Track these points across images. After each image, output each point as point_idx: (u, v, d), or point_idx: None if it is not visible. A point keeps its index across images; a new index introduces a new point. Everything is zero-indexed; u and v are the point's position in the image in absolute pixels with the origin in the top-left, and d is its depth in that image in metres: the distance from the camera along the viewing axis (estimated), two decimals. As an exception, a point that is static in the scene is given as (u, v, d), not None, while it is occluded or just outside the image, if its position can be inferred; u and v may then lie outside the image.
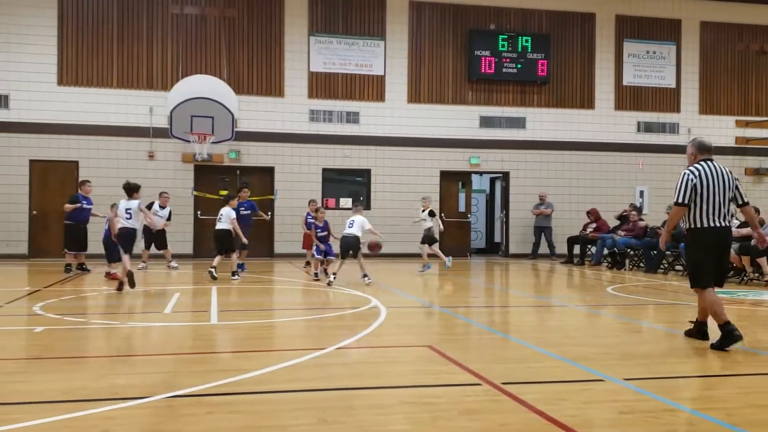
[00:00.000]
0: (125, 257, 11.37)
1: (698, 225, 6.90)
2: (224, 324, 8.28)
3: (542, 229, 21.17)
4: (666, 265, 16.43)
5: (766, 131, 23.37)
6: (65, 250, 15.19)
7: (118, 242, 11.64)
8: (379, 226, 13.71)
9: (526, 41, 21.60)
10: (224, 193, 15.35)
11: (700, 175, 6.86)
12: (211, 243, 14.91)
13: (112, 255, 13.04)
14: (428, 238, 16.01)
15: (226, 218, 13.91)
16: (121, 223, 11.62)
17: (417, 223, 16.66)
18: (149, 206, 16.18)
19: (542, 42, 21.77)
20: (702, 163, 6.98)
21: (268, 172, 20.52)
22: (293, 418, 4.37)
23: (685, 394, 5.18)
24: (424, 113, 21.31)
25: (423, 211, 16.25)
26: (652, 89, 22.84)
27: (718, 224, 6.86)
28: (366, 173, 21.14)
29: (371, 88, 21.01)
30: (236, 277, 13.61)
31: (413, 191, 20.73)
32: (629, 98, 22.68)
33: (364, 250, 13.40)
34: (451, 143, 21.44)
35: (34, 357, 6.46)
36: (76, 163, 19.22)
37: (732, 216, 7.87)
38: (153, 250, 16.37)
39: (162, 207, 16.34)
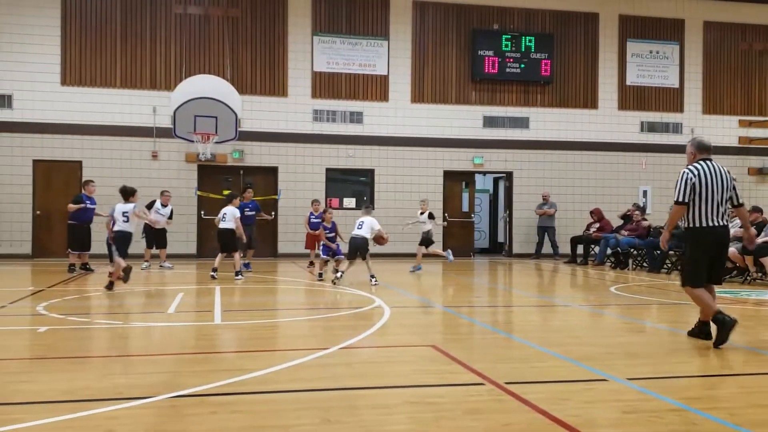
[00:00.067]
0: (118, 259, 11.43)
1: (697, 224, 6.93)
2: (228, 324, 8.29)
3: (545, 229, 21.16)
4: (669, 265, 16.41)
5: (770, 131, 23.36)
6: (69, 250, 15.20)
7: (114, 245, 11.69)
8: (383, 226, 13.72)
9: (530, 41, 21.58)
10: (227, 193, 15.35)
11: (699, 174, 6.89)
12: (214, 242, 14.91)
13: (120, 251, 13.06)
14: (426, 241, 16.04)
15: (231, 217, 13.93)
16: (118, 226, 11.67)
17: (413, 225, 16.66)
18: (151, 205, 16.23)
19: (545, 42, 21.76)
20: (701, 162, 7.02)
21: (271, 172, 20.53)
22: (296, 418, 4.37)
23: (688, 393, 5.17)
24: (428, 113, 21.31)
25: (422, 213, 16.25)
26: (656, 89, 22.81)
27: (716, 223, 6.90)
28: (369, 173, 21.14)
29: (375, 88, 21.01)
30: (240, 276, 13.63)
31: (417, 191, 20.75)
32: (632, 98, 22.66)
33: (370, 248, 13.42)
34: (455, 143, 21.43)
35: (37, 357, 6.48)
36: (80, 163, 19.25)
37: (736, 217, 7.92)
38: (154, 249, 16.42)
39: (164, 205, 16.38)
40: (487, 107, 21.70)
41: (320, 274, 13.63)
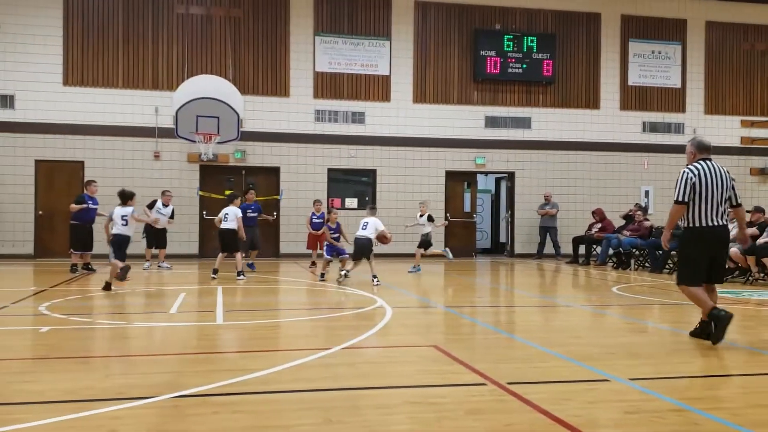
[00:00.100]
0: (114, 261, 11.47)
1: (696, 224, 6.96)
2: (230, 324, 8.30)
3: (547, 229, 21.15)
4: (671, 265, 16.39)
5: (772, 131, 23.35)
6: (71, 250, 15.23)
7: (111, 248, 11.72)
8: (385, 227, 13.77)
9: (532, 41, 21.58)
10: (229, 193, 15.38)
11: (699, 173, 6.92)
12: (216, 242, 14.90)
13: (117, 254, 13.08)
14: (425, 243, 16.06)
15: (233, 217, 13.94)
16: (116, 229, 11.70)
17: (412, 227, 16.67)
18: (152, 204, 16.25)
19: (548, 42, 21.76)
20: (701, 162, 7.05)
21: (273, 172, 20.54)
22: (298, 418, 4.38)
23: (690, 394, 5.17)
24: (430, 113, 21.31)
25: (421, 215, 16.26)
26: (658, 89, 22.80)
27: (715, 223, 6.93)
28: (371, 173, 21.14)
29: (377, 88, 21.02)
30: (242, 276, 13.63)
31: (419, 191, 20.76)
32: (634, 98, 22.65)
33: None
34: (457, 143, 21.43)
35: (40, 357, 6.49)
36: (82, 163, 19.27)
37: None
38: (154, 250, 16.43)
39: (165, 205, 16.38)
40: (489, 107, 21.71)
41: (322, 275, 13.63)
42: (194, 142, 18.20)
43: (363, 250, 12.97)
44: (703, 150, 7.16)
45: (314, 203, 17.15)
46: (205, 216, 19.64)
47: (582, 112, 22.26)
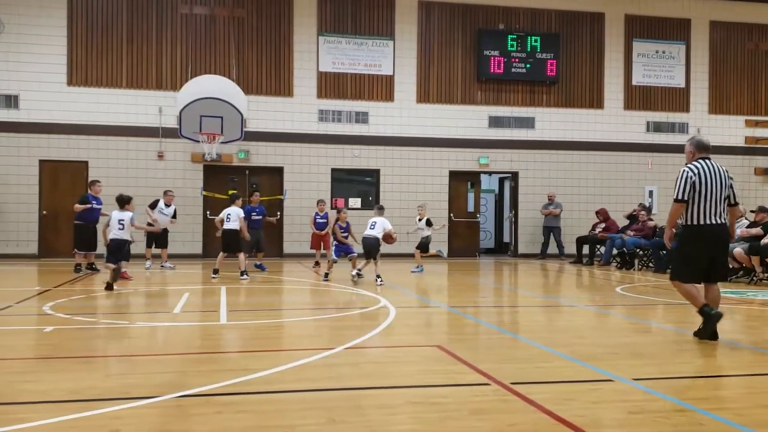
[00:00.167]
0: (107, 264, 11.51)
1: (695, 222, 7.02)
2: (233, 324, 8.30)
3: (551, 229, 21.14)
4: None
5: (777, 131, 23.30)
6: (75, 250, 15.24)
7: (108, 252, 11.75)
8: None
9: (535, 41, 21.57)
10: (231, 193, 15.39)
11: (699, 172, 6.99)
12: (219, 242, 14.91)
13: (122, 255, 13.11)
14: (423, 245, 16.12)
15: (236, 217, 13.95)
16: (113, 233, 11.74)
17: (415, 232, 16.70)
18: (154, 204, 16.27)
19: (551, 42, 21.74)
20: (700, 161, 7.13)
21: (277, 172, 20.55)
22: (301, 418, 4.37)
23: (695, 394, 5.16)
24: (433, 113, 21.31)
25: (420, 219, 16.29)
26: (662, 89, 22.77)
27: (714, 221, 6.99)
28: (375, 173, 21.15)
29: (380, 88, 21.02)
30: (245, 276, 13.64)
31: (422, 191, 20.78)
32: (638, 98, 22.63)
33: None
34: (460, 143, 21.43)
35: (43, 356, 6.49)
36: (86, 163, 19.30)
37: (742, 217, 7.94)
38: (155, 249, 16.44)
39: (167, 205, 16.39)
40: (492, 107, 21.69)
41: (326, 274, 13.63)
42: (198, 142, 18.22)
43: (371, 249, 13.06)
44: (702, 149, 7.24)
45: (318, 203, 17.17)
46: (208, 216, 19.65)
47: (586, 112, 22.24)
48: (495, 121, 21.68)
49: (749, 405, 4.85)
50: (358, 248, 13.95)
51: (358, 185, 21.49)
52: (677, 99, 22.86)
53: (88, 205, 14.96)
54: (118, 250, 11.70)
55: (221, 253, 14.11)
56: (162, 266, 16.14)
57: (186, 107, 17.85)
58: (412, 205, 20.19)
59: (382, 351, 6.84)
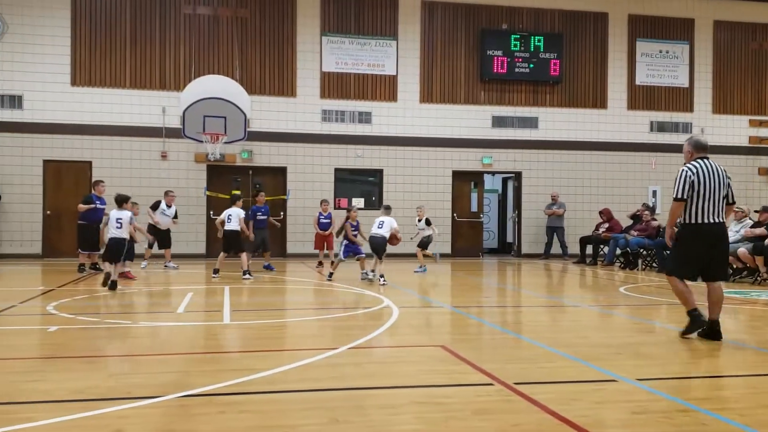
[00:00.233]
0: (105, 264, 11.54)
1: (694, 221, 7.07)
2: (237, 324, 8.30)
3: (554, 229, 21.12)
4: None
5: (781, 130, 23.26)
6: (79, 250, 15.25)
7: (106, 251, 11.77)
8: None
9: (539, 41, 21.55)
10: (234, 193, 15.41)
11: (698, 172, 7.06)
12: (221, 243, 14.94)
13: (127, 254, 13.13)
14: (424, 244, 16.15)
15: (236, 218, 13.97)
16: (111, 233, 11.75)
17: (417, 235, 16.71)
18: (156, 205, 16.28)
19: (555, 41, 21.72)
20: (699, 160, 7.20)
21: (280, 172, 20.56)
22: (304, 418, 4.37)
23: (698, 394, 5.15)
24: (437, 113, 21.30)
25: (419, 220, 16.31)
26: (665, 89, 22.74)
27: (713, 221, 7.04)
28: (378, 173, 21.15)
29: (383, 88, 21.02)
30: (248, 276, 13.65)
31: (425, 191, 20.78)
32: (642, 98, 22.60)
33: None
34: (464, 143, 21.42)
35: (47, 356, 6.50)
36: (90, 163, 19.33)
37: (746, 216, 7.93)
38: (155, 249, 16.46)
39: (168, 206, 16.40)
40: (495, 107, 21.68)
41: (330, 274, 13.62)
42: (201, 142, 18.25)
43: (379, 248, 13.11)
44: (700, 149, 7.32)
45: (321, 203, 17.18)
46: (212, 216, 19.64)
47: (589, 112, 22.22)
48: (498, 121, 21.66)
49: (752, 405, 4.84)
50: (365, 248, 13.94)
51: (362, 185, 21.49)
52: (681, 99, 22.83)
53: (92, 205, 14.96)
54: (117, 249, 11.71)
55: (222, 254, 14.15)
56: (165, 266, 16.15)
57: (189, 107, 17.88)
58: (415, 205, 20.15)
59: (386, 351, 6.85)
